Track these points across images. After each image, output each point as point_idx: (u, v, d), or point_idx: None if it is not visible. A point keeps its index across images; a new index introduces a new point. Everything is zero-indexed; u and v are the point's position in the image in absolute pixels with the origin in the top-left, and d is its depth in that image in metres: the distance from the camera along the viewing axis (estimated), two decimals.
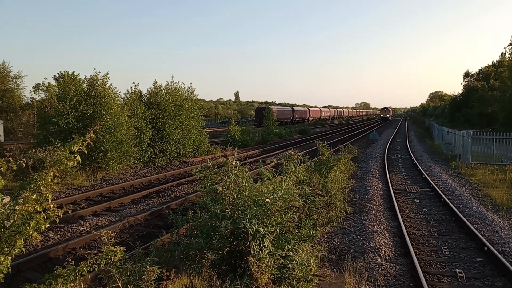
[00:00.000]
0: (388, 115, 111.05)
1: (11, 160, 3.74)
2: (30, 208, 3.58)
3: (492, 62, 63.69)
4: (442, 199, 12.48)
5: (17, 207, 3.55)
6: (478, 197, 13.49)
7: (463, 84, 69.83)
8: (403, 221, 10.14)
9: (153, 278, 4.03)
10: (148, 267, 4.10)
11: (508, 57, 49.76)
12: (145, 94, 22.41)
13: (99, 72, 17.70)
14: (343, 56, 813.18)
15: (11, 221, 3.56)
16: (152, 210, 11.24)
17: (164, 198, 13.13)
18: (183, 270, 5.18)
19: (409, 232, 9.39)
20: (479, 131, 23.17)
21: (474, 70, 72.77)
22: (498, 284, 6.76)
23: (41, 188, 3.70)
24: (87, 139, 4.15)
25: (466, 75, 70.60)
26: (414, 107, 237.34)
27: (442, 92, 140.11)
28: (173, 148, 21.49)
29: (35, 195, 3.65)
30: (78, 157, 4.05)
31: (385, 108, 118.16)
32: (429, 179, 15.85)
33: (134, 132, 18.40)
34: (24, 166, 3.90)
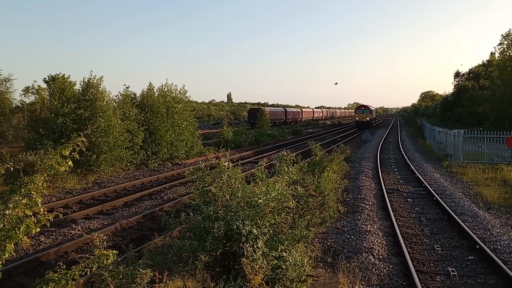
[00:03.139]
0: (368, 119, 62.03)
1: (1, 165, 3.71)
2: (20, 212, 3.55)
3: (482, 62, 64.28)
4: (434, 198, 12.55)
5: (7, 212, 3.51)
6: (470, 195, 13.58)
7: (454, 84, 70.28)
8: (396, 221, 10.18)
9: (146, 281, 4.01)
10: (141, 270, 4.08)
11: (498, 56, 50.17)
12: (138, 96, 22.39)
13: (95, 75, 17.75)
14: (335, 57, 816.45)
15: (1, 226, 3.52)
16: (145, 212, 11.17)
17: (157, 200, 13.07)
18: (176, 272, 5.16)
19: (402, 231, 9.43)
20: (470, 130, 23.36)
21: (464, 69, 73.07)
22: (490, 282, 6.80)
23: (32, 192, 3.67)
24: (79, 143, 4.11)
25: (457, 74, 70.98)
26: (405, 107, 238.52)
27: (434, 92, 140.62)
28: (166, 150, 21.42)
29: (25, 200, 3.62)
30: (70, 162, 4.02)
31: (362, 106, 65.75)
32: (421, 179, 15.94)
33: (127, 136, 18.32)
34: (14, 170, 3.86)
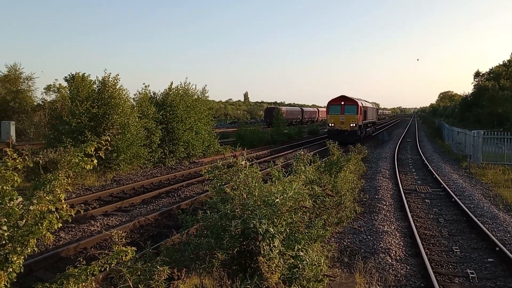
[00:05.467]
0: (353, 124, 30.45)
1: (27, 158, 3.79)
2: (44, 208, 3.62)
3: (503, 62, 62.99)
4: (453, 199, 12.38)
5: (31, 207, 3.59)
6: (489, 197, 13.36)
7: (473, 84, 69.03)
8: (414, 221, 10.07)
9: (163, 278, 4.06)
10: (158, 267, 4.13)
11: None
12: (158, 94, 22.64)
13: (110, 73, 17.90)
14: (353, 56, 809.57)
15: (24, 221, 3.60)
16: (162, 210, 11.29)
17: (174, 198, 13.18)
18: (193, 270, 5.19)
19: (419, 232, 9.33)
20: (490, 131, 22.95)
21: (484, 69, 71.54)
22: (510, 285, 6.69)
23: (56, 188, 3.74)
24: (103, 141, 4.18)
25: (477, 74, 69.62)
26: (424, 107, 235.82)
27: (452, 92, 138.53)
28: (183, 149, 21.57)
29: (49, 196, 3.69)
30: (95, 161, 4.09)
31: (342, 99, 31.37)
32: (439, 179, 15.73)
33: (145, 134, 18.50)
34: (35, 167, 3.95)
